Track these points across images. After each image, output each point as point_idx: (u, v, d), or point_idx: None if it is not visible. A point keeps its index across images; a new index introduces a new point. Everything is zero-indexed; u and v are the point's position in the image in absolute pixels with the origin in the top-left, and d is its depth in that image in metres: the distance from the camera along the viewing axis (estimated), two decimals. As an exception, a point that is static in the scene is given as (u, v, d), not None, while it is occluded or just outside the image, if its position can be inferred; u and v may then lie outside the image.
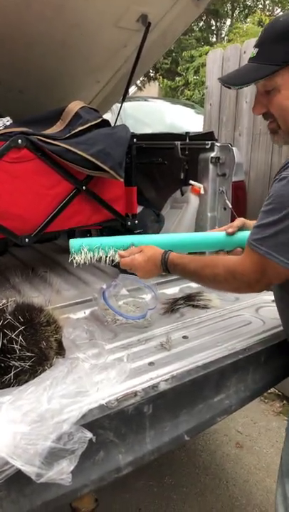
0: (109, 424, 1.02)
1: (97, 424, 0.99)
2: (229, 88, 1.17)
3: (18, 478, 0.84)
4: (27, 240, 1.71)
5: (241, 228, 1.40)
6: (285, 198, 0.98)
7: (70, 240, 1.44)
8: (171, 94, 9.46)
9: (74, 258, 1.41)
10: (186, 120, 4.53)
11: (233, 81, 1.14)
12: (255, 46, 1.08)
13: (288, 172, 0.99)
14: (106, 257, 1.41)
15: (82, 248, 1.40)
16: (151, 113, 4.62)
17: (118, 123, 2.20)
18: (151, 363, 1.25)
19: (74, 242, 1.42)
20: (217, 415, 1.28)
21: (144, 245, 1.36)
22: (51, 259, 2.40)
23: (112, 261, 1.42)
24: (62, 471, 0.86)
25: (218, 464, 2.17)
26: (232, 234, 1.38)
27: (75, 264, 1.41)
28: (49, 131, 1.82)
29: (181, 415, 1.19)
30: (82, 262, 1.41)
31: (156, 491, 2.00)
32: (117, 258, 1.40)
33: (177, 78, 9.48)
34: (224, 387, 1.29)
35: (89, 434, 0.92)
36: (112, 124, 1.98)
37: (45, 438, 0.87)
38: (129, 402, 1.05)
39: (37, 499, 0.92)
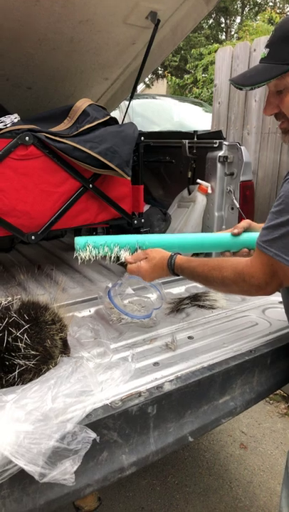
0: (113, 425, 1.02)
1: (101, 424, 0.99)
2: (240, 89, 1.16)
3: (22, 477, 0.84)
4: (33, 237, 1.71)
5: (247, 229, 1.39)
6: None
7: (76, 237, 1.44)
8: (179, 92, 9.41)
9: (79, 255, 1.41)
10: (195, 118, 4.51)
11: (244, 82, 1.13)
12: (266, 47, 1.08)
13: None
14: (111, 255, 1.41)
15: (88, 246, 1.40)
16: (160, 111, 4.61)
17: (126, 120, 2.20)
18: (156, 363, 1.25)
19: (79, 240, 1.42)
20: (222, 417, 1.27)
21: (150, 249, 1.36)
22: (57, 256, 2.40)
23: (118, 259, 1.42)
24: (66, 471, 0.85)
25: (221, 464, 2.16)
26: (238, 235, 1.37)
27: (79, 261, 1.41)
28: (56, 129, 1.82)
29: (186, 416, 1.18)
30: (87, 258, 1.41)
31: (160, 490, 2.00)
32: (122, 256, 1.39)
33: (186, 76, 9.44)
34: (229, 388, 1.28)
35: (93, 434, 0.92)
36: (120, 122, 1.97)
37: (49, 437, 0.86)
38: (134, 403, 1.05)
39: (40, 498, 0.92)
